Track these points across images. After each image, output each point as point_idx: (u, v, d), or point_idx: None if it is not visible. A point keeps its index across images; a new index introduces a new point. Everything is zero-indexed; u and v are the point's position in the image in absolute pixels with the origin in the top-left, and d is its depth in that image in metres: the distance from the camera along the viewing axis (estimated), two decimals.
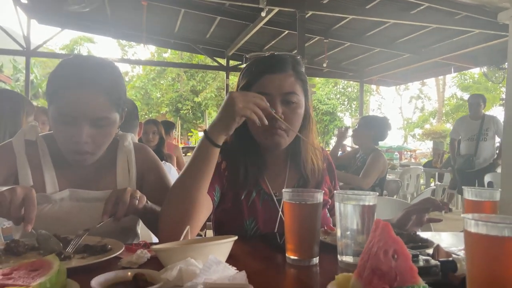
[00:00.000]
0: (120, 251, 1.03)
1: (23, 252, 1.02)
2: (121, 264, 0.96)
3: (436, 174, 8.62)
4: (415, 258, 0.90)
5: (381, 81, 12.19)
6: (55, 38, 25.74)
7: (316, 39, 8.33)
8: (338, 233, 1.03)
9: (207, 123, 24.85)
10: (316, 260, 1.04)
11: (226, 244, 0.89)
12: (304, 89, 1.37)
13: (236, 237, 0.92)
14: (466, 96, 27.39)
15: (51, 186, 1.29)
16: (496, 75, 10.11)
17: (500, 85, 20.96)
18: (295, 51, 7.51)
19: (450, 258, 0.96)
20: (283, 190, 1.08)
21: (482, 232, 0.64)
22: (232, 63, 11.20)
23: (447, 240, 1.47)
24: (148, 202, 1.23)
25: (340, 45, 8.77)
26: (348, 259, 1.01)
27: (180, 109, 22.45)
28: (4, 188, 1.02)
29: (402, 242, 0.76)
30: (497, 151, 5.92)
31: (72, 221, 1.25)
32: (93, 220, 1.24)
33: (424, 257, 0.92)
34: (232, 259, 0.91)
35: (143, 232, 1.55)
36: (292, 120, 1.32)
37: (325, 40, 8.15)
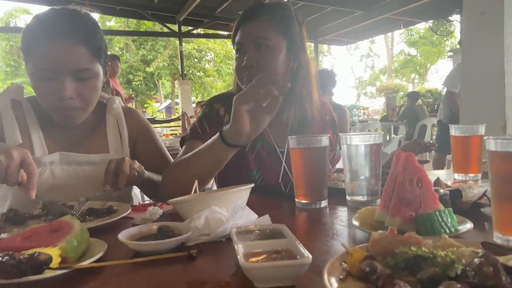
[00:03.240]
0: (128, 211, 1.00)
1: (23, 220, 0.96)
2: (135, 222, 0.93)
3: (392, 127, 8.97)
4: None
5: (335, 40, 12.31)
6: None
7: None
8: (347, 175, 1.05)
9: (161, 93, 24.17)
10: (325, 202, 1.06)
11: (245, 191, 0.89)
12: (283, 34, 1.32)
13: (252, 185, 0.92)
14: (413, 51, 28.37)
15: (39, 148, 1.21)
16: (441, 28, 10.45)
17: (445, 38, 21.83)
18: None
19: (453, 188, 1.01)
20: (289, 137, 1.08)
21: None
22: (184, 28, 10.82)
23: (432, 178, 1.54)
24: (145, 172, 1.20)
25: (294, 4, 8.69)
26: (358, 197, 1.04)
27: (132, 80, 21.59)
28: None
29: (424, 170, 0.79)
30: None
31: (63, 186, 1.18)
32: (85, 185, 1.20)
33: (433, 188, 0.95)
34: None
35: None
36: (263, 63, 1.28)
37: None
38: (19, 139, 1.19)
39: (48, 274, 0.61)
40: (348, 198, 1.06)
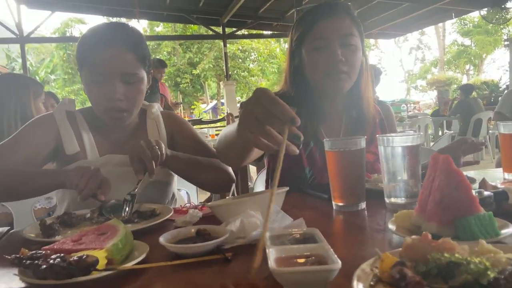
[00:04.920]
0: (171, 214, 1.05)
1: (76, 223, 1.04)
2: (176, 224, 0.98)
3: (444, 122, 8.58)
4: None
5: (381, 33, 11.95)
6: (46, 24, 25.23)
7: None
8: (385, 177, 1.03)
9: (207, 94, 24.67)
10: (363, 204, 1.05)
11: (280, 195, 0.90)
12: (359, 33, 1.36)
13: (287, 188, 0.93)
14: (467, 41, 26.91)
15: (91, 152, 1.33)
16: (496, 16, 9.81)
17: (502, 26, 20.53)
18: (293, 10, 7.37)
19: (499, 189, 0.97)
20: (324, 139, 1.08)
21: None
22: (228, 30, 10.99)
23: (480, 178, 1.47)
24: (169, 150, 1.27)
25: None
26: (397, 200, 1.02)
27: (180, 83, 22.22)
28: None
29: (462, 173, 0.76)
30: None
31: (112, 186, 1.27)
32: (131, 184, 1.27)
33: (476, 189, 0.92)
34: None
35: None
36: (352, 62, 1.32)
37: None
38: (76, 147, 1.32)
39: (95, 275, 0.66)
40: (386, 200, 1.04)
